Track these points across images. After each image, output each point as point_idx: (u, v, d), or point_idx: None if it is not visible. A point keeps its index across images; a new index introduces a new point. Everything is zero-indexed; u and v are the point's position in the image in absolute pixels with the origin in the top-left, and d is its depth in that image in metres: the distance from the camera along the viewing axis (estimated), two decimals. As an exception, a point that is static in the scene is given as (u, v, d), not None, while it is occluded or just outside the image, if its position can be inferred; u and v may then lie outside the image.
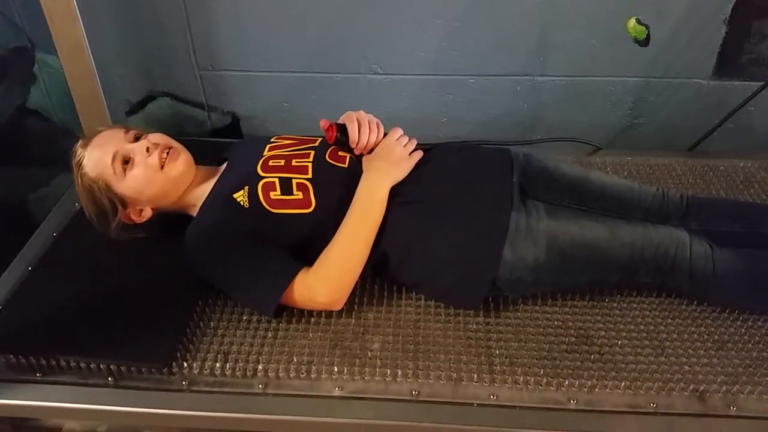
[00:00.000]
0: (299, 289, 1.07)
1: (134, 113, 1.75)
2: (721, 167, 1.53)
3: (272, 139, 1.29)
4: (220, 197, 1.18)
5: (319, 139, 1.27)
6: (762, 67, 1.63)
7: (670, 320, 1.12)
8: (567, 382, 1.02)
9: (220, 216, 1.15)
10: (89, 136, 1.22)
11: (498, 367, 1.04)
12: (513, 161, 1.26)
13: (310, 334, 1.10)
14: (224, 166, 1.29)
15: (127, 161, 1.17)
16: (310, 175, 1.17)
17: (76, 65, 1.50)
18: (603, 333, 1.10)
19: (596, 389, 1.01)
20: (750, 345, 1.07)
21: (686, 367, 1.04)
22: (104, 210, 1.20)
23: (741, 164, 1.54)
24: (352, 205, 1.13)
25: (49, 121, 1.76)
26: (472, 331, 1.10)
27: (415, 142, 1.24)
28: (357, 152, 1.23)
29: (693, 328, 1.10)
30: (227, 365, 1.05)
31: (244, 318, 1.13)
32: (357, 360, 1.06)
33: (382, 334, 1.10)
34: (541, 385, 1.01)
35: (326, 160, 1.20)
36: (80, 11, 1.43)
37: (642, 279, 1.13)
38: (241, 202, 1.13)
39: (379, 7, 1.55)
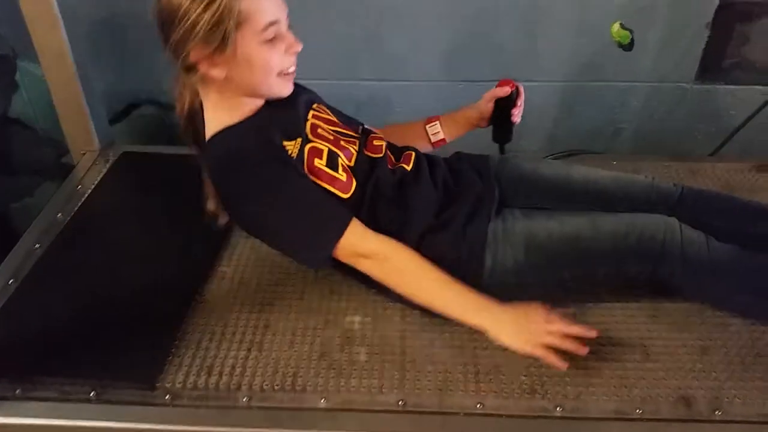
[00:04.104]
0: (344, 244, 1.04)
1: (118, 121, 1.74)
2: (704, 171, 1.53)
3: (314, 106, 1.20)
4: (268, 133, 1.07)
5: (361, 128, 1.23)
6: (745, 71, 1.65)
7: (655, 325, 1.12)
8: (553, 390, 1.01)
9: (267, 151, 1.05)
10: None
11: (484, 376, 1.04)
12: (490, 167, 1.25)
13: (296, 346, 1.09)
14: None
15: (270, 40, 1.03)
16: (352, 164, 1.13)
17: (58, 73, 1.50)
18: (588, 340, 1.10)
19: (582, 396, 1.01)
20: (734, 350, 1.08)
21: (672, 373, 1.04)
22: (193, 21, 0.97)
23: (724, 167, 1.54)
24: (462, 294, 1.04)
25: (31, 129, 1.75)
26: (457, 340, 1.10)
27: (567, 344, 1.00)
28: (516, 118, 1.26)
29: (677, 333, 1.10)
30: (211, 379, 1.04)
31: (228, 330, 1.12)
32: (343, 371, 1.05)
33: (368, 345, 1.09)
34: (527, 393, 1.01)
35: (365, 153, 1.16)
36: (62, 18, 1.42)
37: (631, 268, 1.09)
38: (290, 152, 1.07)
39: (370, 16, 1.54)
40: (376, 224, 1.09)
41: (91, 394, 1.02)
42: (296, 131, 1.10)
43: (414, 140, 1.31)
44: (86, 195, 1.46)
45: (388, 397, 1.01)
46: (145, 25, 1.56)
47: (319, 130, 1.14)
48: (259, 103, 1.10)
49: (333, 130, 1.17)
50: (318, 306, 1.16)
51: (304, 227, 1.07)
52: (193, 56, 1.00)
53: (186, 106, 1.11)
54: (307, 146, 1.09)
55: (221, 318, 1.14)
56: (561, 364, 1.00)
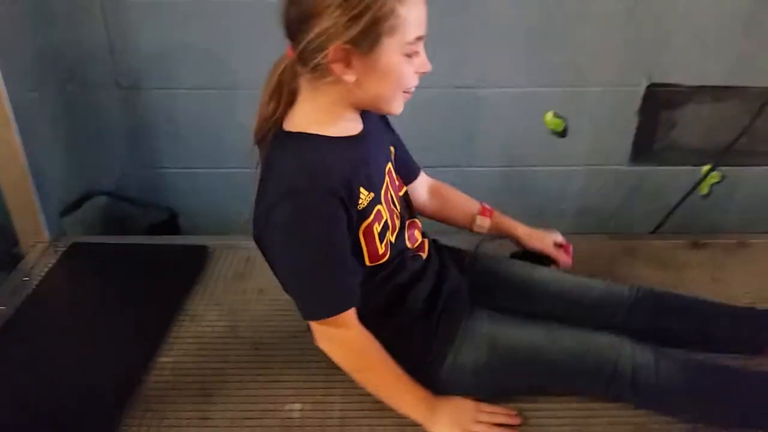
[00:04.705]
0: (331, 324, 1.01)
1: (70, 212, 1.76)
2: (641, 248, 1.58)
3: (392, 158, 1.15)
4: (354, 167, 0.99)
5: (404, 194, 1.16)
6: (674, 152, 1.74)
7: (592, 402, 1.12)
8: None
9: (339, 187, 0.95)
10: None
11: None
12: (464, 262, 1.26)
13: (232, 436, 1.08)
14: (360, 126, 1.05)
15: (410, 54, 0.94)
16: (393, 241, 1.07)
17: (9, 167, 1.51)
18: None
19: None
20: (672, 424, 1.08)
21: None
22: (350, 18, 0.87)
23: (659, 245, 1.59)
24: (408, 390, 1.06)
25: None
26: (398, 425, 1.08)
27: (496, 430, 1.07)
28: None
29: (614, 411, 1.11)
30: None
31: (165, 423, 1.10)
32: (280, 462, 1.03)
33: (307, 433, 1.08)
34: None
35: (405, 237, 1.11)
36: (14, 112, 1.45)
37: (583, 386, 1.12)
38: (360, 202, 0.99)
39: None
40: (371, 299, 1.05)
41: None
42: (375, 184, 1.03)
43: (454, 214, 1.32)
44: (33, 287, 1.45)
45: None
46: (99, 118, 1.63)
47: (389, 194, 1.08)
48: (359, 126, 1.04)
49: (392, 197, 1.10)
50: (258, 394, 1.15)
51: (309, 286, 1.01)
52: (332, 56, 0.90)
53: (283, 101, 1.00)
54: (376, 207, 1.02)
55: (159, 411, 1.12)
56: None
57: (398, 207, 1.12)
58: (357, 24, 0.87)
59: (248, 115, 1.60)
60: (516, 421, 1.09)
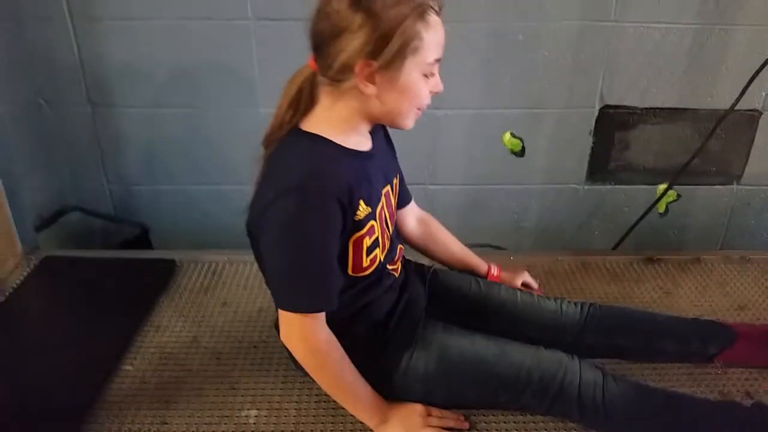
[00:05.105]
0: (305, 320, 1.03)
1: (45, 228, 1.80)
2: (595, 264, 1.64)
3: (393, 181, 1.20)
4: (358, 180, 1.03)
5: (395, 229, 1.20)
6: (630, 172, 1.81)
7: (539, 426, 1.15)
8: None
9: (342, 195, 0.99)
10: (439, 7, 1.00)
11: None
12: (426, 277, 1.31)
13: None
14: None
15: (427, 75, 1.01)
16: (382, 258, 1.12)
17: (-17, 183, 1.56)
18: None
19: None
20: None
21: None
22: (380, 36, 0.93)
23: (613, 260, 1.65)
24: (365, 394, 1.10)
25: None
26: None
27: None
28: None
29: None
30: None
31: (124, 428, 1.13)
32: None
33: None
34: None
35: (387, 259, 1.15)
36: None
37: (530, 400, 1.13)
38: (358, 214, 1.03)
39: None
40: (341, 307, 1.06)
41: None
42: (374, 200, 1.07)
43: (437, 251, 1.38)
44: (2, 299, 1.49)
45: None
46: (73, 135, 1.68)
47: (383, 214, 1.12)
48: (369, 144, 1.10)
49: (386, 218, 1.14)
50: (215, 401, 1.19)
51: (296, 278, 1.02)
52: (358, 71, 0.96)
53: (301, 109, 1.05)
54: (370, 222, 1.06)
55: (118, 417, 1.16)
56: None
57: (391, 229, 1.16)
58: (385, 43, 0.94)
59: (219, 133, 1.67)
60: (465, 425, 1.13)
